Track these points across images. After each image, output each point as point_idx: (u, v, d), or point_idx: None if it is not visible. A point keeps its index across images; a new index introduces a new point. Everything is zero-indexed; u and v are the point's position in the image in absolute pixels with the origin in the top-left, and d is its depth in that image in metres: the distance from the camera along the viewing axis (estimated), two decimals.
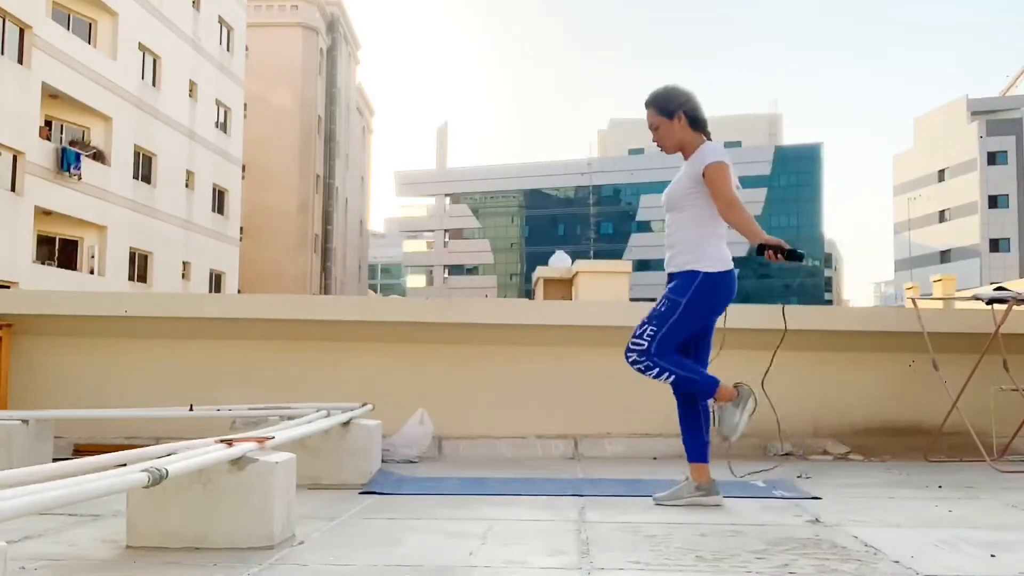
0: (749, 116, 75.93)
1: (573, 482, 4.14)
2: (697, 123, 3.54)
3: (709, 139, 3.56)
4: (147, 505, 2.57)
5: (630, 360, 3.43)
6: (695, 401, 3.51)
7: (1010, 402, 4.86)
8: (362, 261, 61.92)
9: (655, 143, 3.65)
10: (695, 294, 3.41)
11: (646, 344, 3.40)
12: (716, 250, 3.46)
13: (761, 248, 3.33)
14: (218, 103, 36.09)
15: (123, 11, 28.36)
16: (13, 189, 23.19)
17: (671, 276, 3.56)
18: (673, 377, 3.39)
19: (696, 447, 3.49)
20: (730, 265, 3.50)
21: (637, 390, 5.30)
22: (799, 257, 3.34)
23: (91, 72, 26.43)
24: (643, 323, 3.45)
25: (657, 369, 3.39)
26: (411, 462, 4.73)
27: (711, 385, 3.42)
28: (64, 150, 25.19)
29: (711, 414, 3.49)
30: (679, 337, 3.43)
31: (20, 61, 23.32)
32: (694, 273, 3.44)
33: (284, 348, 5.31)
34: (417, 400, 4.95)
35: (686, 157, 3.56)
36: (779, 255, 3.30)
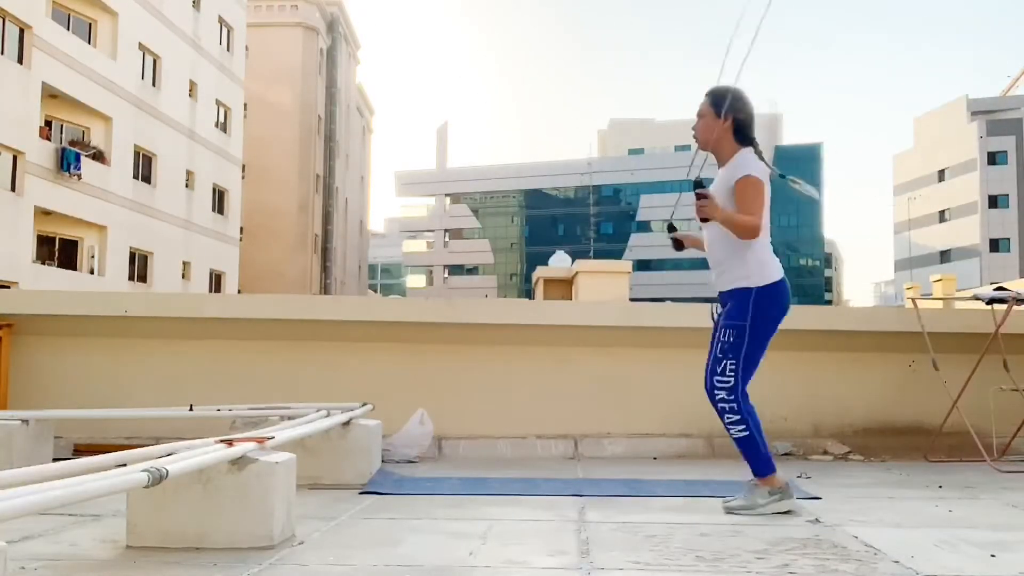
0: None
1: (573, 482, 4.14)
2: (741, 134, 3.43)
3: (756, 151, 3.45)
4: (147, 505, 2.57)
5: (717, 399, 3.33)
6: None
7: (1010, 402, 4.86)
8: (362, 261, 61.91)
9: (692, 131, 3.55)
10: (755, 312, 3.32)
11: (732, 380, 3.31)
12: (762, 261, 3.36)
13: (698, 186, 3.31)
14: (218, 103, 36.09)
15: (123, 11, 28.35)
16: (13, 189, 23.18)
17: (722, 296, 3.47)
18: (746, 434, 3.30)
19: (763, 459, 3.34)
20: (780, 273, 3.41)
21: (637, 390, 5.31)
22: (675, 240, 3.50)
23: (91, 72, 26.43)
24: (718, 358, 3.35)
25: (738, 417, 3.29)
26: (411, 462, 4.73)
27: (768, 467, 3.30)
28: (64, 150, 25.18)
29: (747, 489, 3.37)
30: (757, 360, 3.36)
31: (20, 61, 23.32)
32: (746, 291, 3.34)
33: (284, 348, 5.31)
34: (417, 400, 4.95)
35: (719, 163, 3.48)
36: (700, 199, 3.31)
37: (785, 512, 3.25)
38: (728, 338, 3.35)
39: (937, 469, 4.68)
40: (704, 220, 3.41)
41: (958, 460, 4.91)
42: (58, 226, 26.07)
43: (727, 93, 3.43)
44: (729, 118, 3.42)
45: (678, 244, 3.66)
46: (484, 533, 2.87)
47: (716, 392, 3.34)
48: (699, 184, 3.34)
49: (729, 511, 3.29)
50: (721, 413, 3.35)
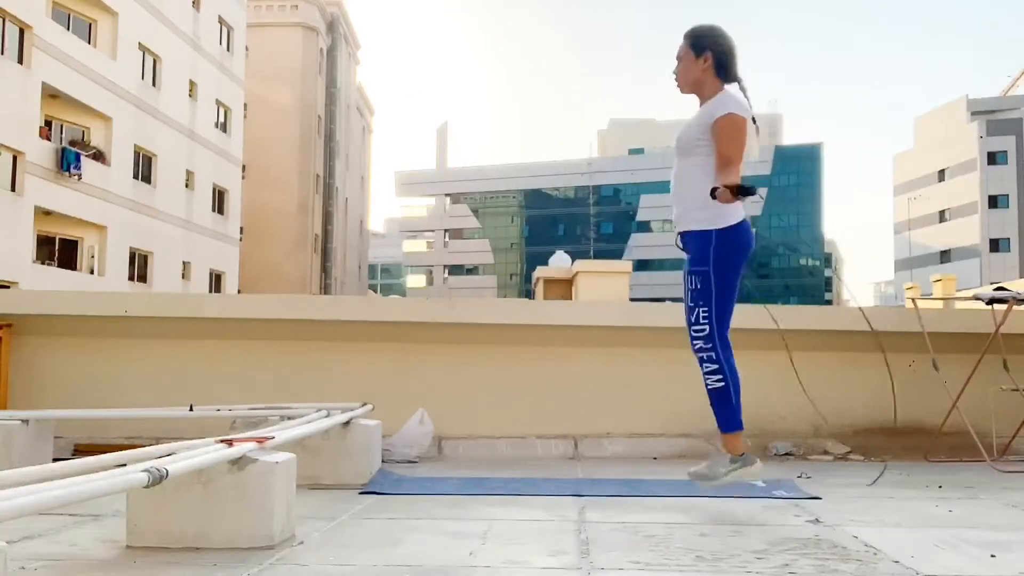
0: None
1: (573, 482, 4.14)
2: (723, 70, 3.33)
3: (741, 87, 3.35)
4: (147, 505, 2.57)
5: (696, 347, 3.29)
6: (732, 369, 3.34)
7: (1010, 402, 4.86)
8: (362, 261, 61.91)
9: (673, 75, 3.46)
10: (716, 257, 3.27)
11: (707, 327, 3.26)
12: (724, 204, 3.24)
13: (721, 189, 3.13)
14: (218, 103, 36.10)
15: (123, 11, 28.37)
16: (13, 189, 23.20)
17: (682, 236, 3.39)
18: (721, 385, 3.27)
19: (733, 415, 3.31)
20: (741, 215, 3.32)
21: (637, 390, 5.31)
22: (751, 191, 3.13)
23: (91, 72, 26.44)
24: (690, 307, 3.32)
25: (716, 366, 3.26)
26: (411, 462, 4.73)
27: (735, 422, 3.28)
28: (64, 150, 25.20)
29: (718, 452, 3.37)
30: (730, 304, 3.31)
31: (20, 61, 23.33)
32: (706, 235, 3.28)
33: (284, 348, 5.31)
34: (417, 400, 4.95)
35: (702, 102, 3.38)
36: (736, 195, 3.11)
37: (745, 482, 3.25)
38: (695, 284, 3.31)
39: (937, 469, 4.68)
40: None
41: (958, 460, 4.91)
42: (58, 226, 26.08)
43: (702, 31, 3.37)
44: (708, 56, 3.34)
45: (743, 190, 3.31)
46: (484, 533, 2.87)
47: (694, 342, 3.32)
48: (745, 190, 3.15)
49: (691, 476, 3.32)
50: (700, 362, 3.32)
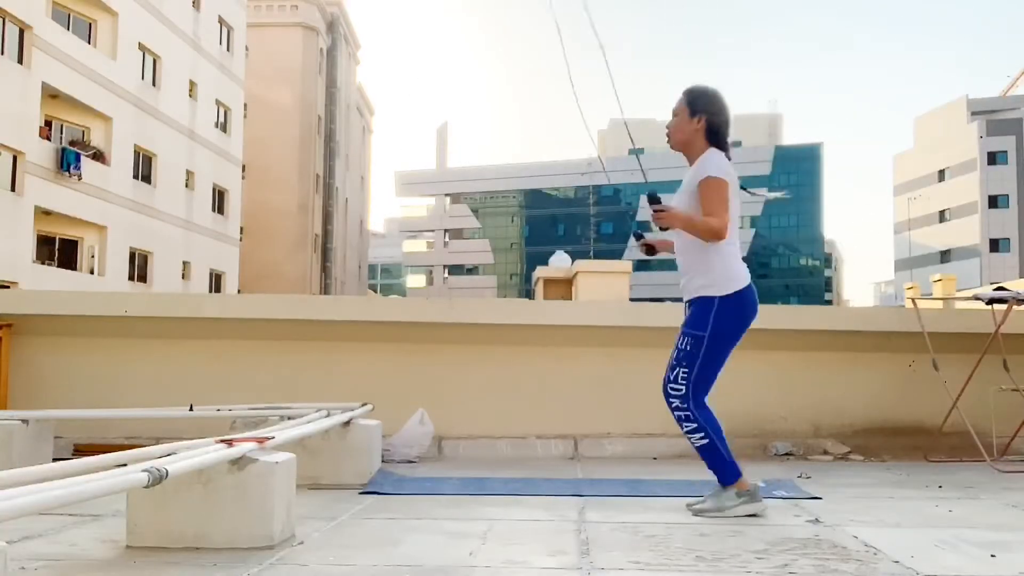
0: (749, 116, 75.87)
1: (573, 482, 4.14)
2: (714, 135, 3.40)
3: (728, 156, 3.41)
4: (147, 505, 2.57)
5: (672, 406, 3.31)
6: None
7: (1010, 402, 4.86)
8: (362, 261, 61.91)
9: (666, 129, 3.52)
10: (715, 323, 3.27)
11: (683, 389, 3.28)
12: (728, 268, 3.31)
13: (653, 202, 3.30)
14: (218, 103, 36.09)
15: (123, 11, 28.35)
16: (13, 189, 23.18)
17: (687, 304, 3.43)
18: (706, 442, 3.26)
19: (728, 466, 3.30)
20: (746, 281, 3.34)
21: (637, 390, 5.31)
22: (647, 250, 3.51)
23: (91, 72, 26.43)
24: (672, 365, 3.32)
25: (695, 425, 3.26)
26: (411, 462, 4.73)
27: (733, 472, 3.26)
28: (64, 150, 25.18)
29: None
30: (713, 372, 3.31)
31: (20, 61, 23.32)
32: (709, 301, 3.29)
33: (284, 348, 5.31)
34: (417, 400, 4.95)
35: (689, 162, 3.45)
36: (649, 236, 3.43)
37: (752, 515, 3.20)
38: (685, 346, 3.31)
39: (937, 469, 4.68)
40: (663, 229, 3.40)
41: (958, 460, 4.91)
42: (58, 226, 26.07)
43: (701, 93, 3.42)
44: (702, 119, 3.39)
45: (649, 249, 3.63)
46: (484, 533, 2.87)
47: (670, 400, 3.33)
48: (653, 197, 3.32)
49: (696, 513, 3.25)
50: (678, 420, 3.33)
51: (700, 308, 3.32)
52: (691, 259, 3.38)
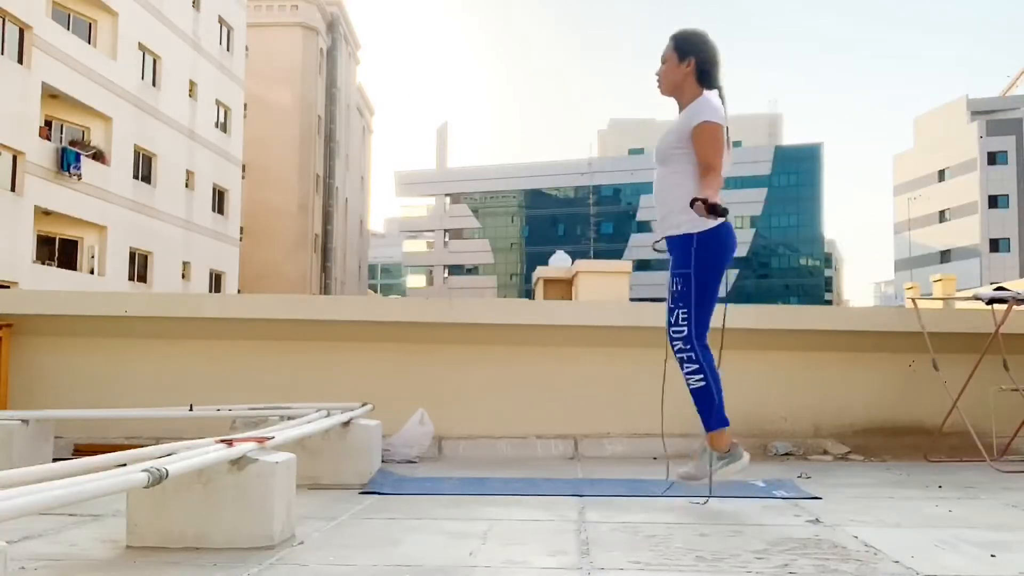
0: (749, 116, 75.89)
1: (573, 482, 4.14)
2: (705, 77, 3.38)
3: (720, 95, 3.40)
4: (147, 505, 2.57)
5: (676, 348, 3.35)
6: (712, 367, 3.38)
7: (1010, 402, 4.86)
8: (362, 261, 61.92)
9: (656, 76, 3.52)
10: (697, 259, 3.32)
11: (685, 328, 3.32)
12: None
13: (696, 201, 3.17)
14: (218, 103, 36.11)
15: (123, 11, 28.37)
16: (13, 189, 23.20)
17: (667, 241, 3.44)
18: (703, 384, 3.31)
19: (717, 413, 3.34)
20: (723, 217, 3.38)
21: (637, 390, 5.31)
22: (724, 212, 3.19)
23: (91, 72, 26.44)
24: (670, 308, 3.37)
25: (697, 366, 3.30)
26: (411, 462, 4.73)
27: (720, 419, 3.31)
28: (64, 150, 25.20)
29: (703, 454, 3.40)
30: (708, 308, 3.36)
31: (20, 61, 23.33)
32: (687, 238, 3.33)
33: (284, 348, 5.31)
34: (417, 400, 4.95)
35: (681, 107, 3.44)
36: (709, 212, 3.16)
37: (736, 477, 3.30)
38: (677, 287, 3.36)
39: (937, 469, 4.68)
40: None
41: (958, 460, 4.91)
42: (58, 226, 26.08)
43: (689, 36, 3.42)
44: (691, 61, 3.38)
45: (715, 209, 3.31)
46: (484, 533, 2.87)
47: (674, 343, 3.37)
48: (719, 210, 3.14)
49: (680, 478, 3.36)
50: (680, 363, 3.37)
51: (681, 248, 3.37)
52: (670, 195, 3.40)
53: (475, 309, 5.51)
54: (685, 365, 3.35)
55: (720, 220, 3.28)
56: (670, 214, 3.41)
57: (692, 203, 3.20)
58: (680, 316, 3.34)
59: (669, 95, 3.49)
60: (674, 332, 3.36)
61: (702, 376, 3.32)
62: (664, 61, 3.47)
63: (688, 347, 3.33)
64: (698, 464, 3.34)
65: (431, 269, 76.26)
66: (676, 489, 3.65)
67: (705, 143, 3.28)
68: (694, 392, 3.36)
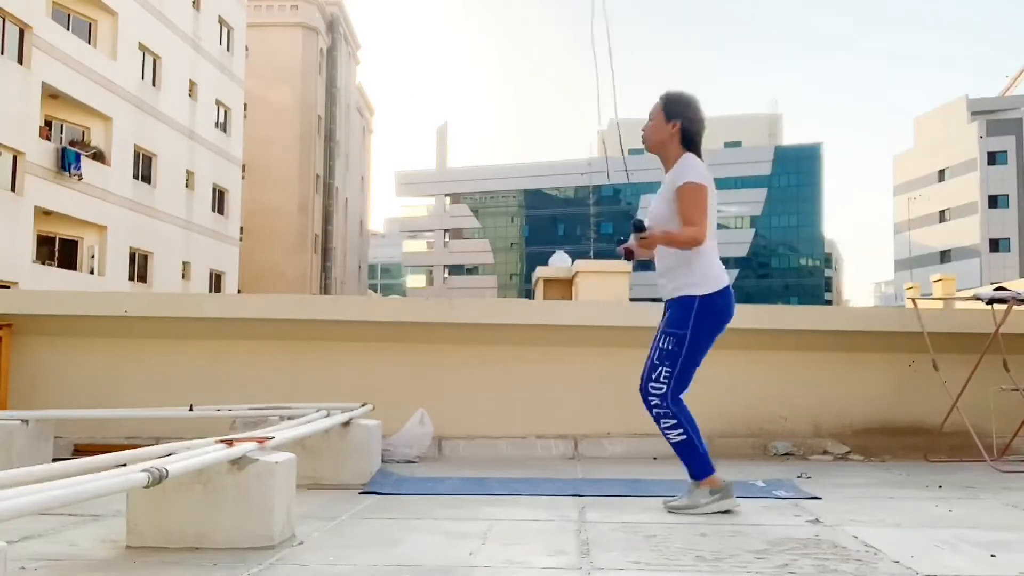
0: (749, 116, 75.90)
1: (573, 482, 4.14)
2: (688, 142, 3.46)
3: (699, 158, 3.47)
4: (147, 505, 2.57)
5: (651, 404, 3.36)
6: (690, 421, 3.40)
7: (1010, 402, 4.86)
8: (362, 261, 61.91)
9: (642, 132, 3.59)
10: (695, 322, 3.33)
11: (664, 387, 3.33)
12: (707, 269, 3.38)
13: (638, 230, 3.36)
14: (218, 103, 36.09)
15: (123, 11, 28.35)
16: (13, 189, 23.18)
17: (666, 305, 3.48)
18: (684, 439, 3.32)
19: (702, 461, 3.36)
20: (724, 282, 3.42)
21: (637, 390, 5.31)
22: (627, 257, 3.47)
23: (91, 72, 26.42)
24: (654, 365, 3.37)
25: (674, 421, 3.32)
26: (411, 462, 4.73)
27: (706, 468, 3.33)
28: (64, 150, 25.18)
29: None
30: (692, 370, 3.38)
31: (20, 61, 23.32)
32: (689, 300, 3.36)
33: (284, 348, 5.31)
34: (417, 400, 4.95)
35: (665, 165, 3.52)
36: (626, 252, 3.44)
37: (725, 512, 3.27)
38: (667, 345, 3.37)
39: (937, 469, 4.68)
40: (646, 253, 3.48)
41: (958, 460, 4.91)
42: (58, 226, 26.07)
43: (677, 98, 3.49)
44: (677, 124, 3.46)
45: (628, 254, 3.59)
46: (484, 533, 2.87)
47: (650, 398, 3.38)
48: (638, 225, 3.38)
49: (671, 511, 3.32)
50: (656, 418, 3.38)
51: (681, 308, 3.39)
52: (671, 260, 3.44)
53: (475, 309, 5.52)
54: (662, 421, 3.36)
55: (717, 276, 3.40)
56: (670, 280, 3.45)
57: (637, 233, 3.35)
58: (663, 374, 3.35)
59: (654, 152, 3.57)
60: (652, 388, 3.37)
61: (682, 431, 3.33)
62: (651, 118, 3.55)
63: (663, 404, 3.35)
64: (690, 496, 3.33)
65: (431, 269, 76.23)
66: (673, 488, 3.65)
67: (687, 201, 3.34)
68: (676, 446, 3.37)
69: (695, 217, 3.31)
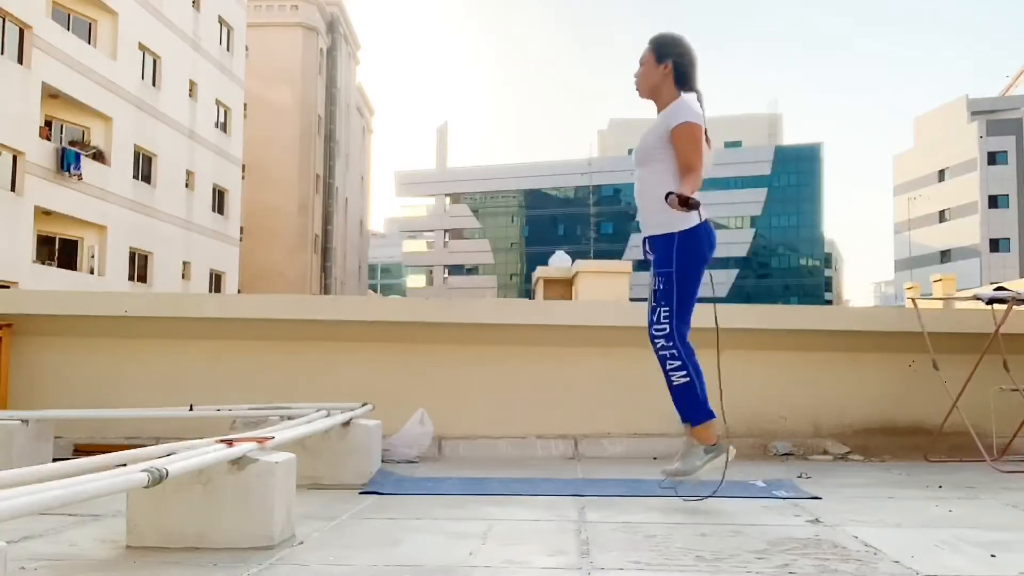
0: (749, 116, 75.91)
1: (573, 482, 4.14)
2: (682, 80, 3.44)
3: (698, 98, 3.46)
4: (147, 505, 2.57)
5: (658, 346, 3.38)
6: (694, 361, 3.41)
7: (1010, 402, 4.86)
8: (362, 261, 61.92)
9: (634, 78, 3.57)
10: (679, 258, 3.36)
11: (667, 327, 3.35)
12: None
13: (671, 194, 3.24)
14: (218, 103, 36.11)
15: (123, 11, 28.36)
16: (13, 189, 23.20)
17: (648, 241, 3.49)
18: (686, 381, 3.33)
19: (701, 407, 3.36)
20: (702, 218, 3.42)
21: (637, 390, 5.31)
22: (695, 205, 3.26)
23: (91, 72, 26.44)
24: (652, 307, 3.41)
25: (679, 363, 3.33)
26: (411, 462, 4.73)
27: (705, 413, 3.33)
28: (64, 150, 25.20)
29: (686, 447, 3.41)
30: (689, 306, 3.40)
31: (20, 61, 23.33)
32: (669, 237, 3.38)
33: (284, 348, 5.31)
34: (417, 400, 4.95)
35: (659, 108, 3.49)
36: (682, 204, 3.23)
37: (722, 470, 3.31)
38: (659, 285, 3.40)
39: (937, 469, 4.68)
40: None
41: (958, 460, 4.91)
42: (58, 226, 26.08)
43: (666, 39, 3.47)
44: (669, 64, 3.43)
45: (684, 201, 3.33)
46: (484, 533, 2.87)
47: (655, 340, 3.40)
48: (693, 205, 3.22)
49: (667, 475, 3.37)
50: (662, 361, 3.39)
51: (663, 247, 3.41)
52: (651, 195, 3.45)
53: (475, 309, 5.52)
54: (668, 363, 3.38)
55: (693, 212, 3.33)
56: (651, 215, 3.46)
57: (667, 196, 3.25)
58: (662, 314, 3.38)
59: (647, 97, 3.55)
60: (656, 330, 3.40)
61: (685, 372, 3.35)
62: (642, 63, 3.52)
63: (670, 344, 3.36)
64: (685, 460, 3.35)
65: (431, 269, 76.25)
66: (680, 489, 3.66)
67: (684, 144, 3.33)
68: (677, 389, 3.38)
69: (694, 160, 3.32)
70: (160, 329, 5.29)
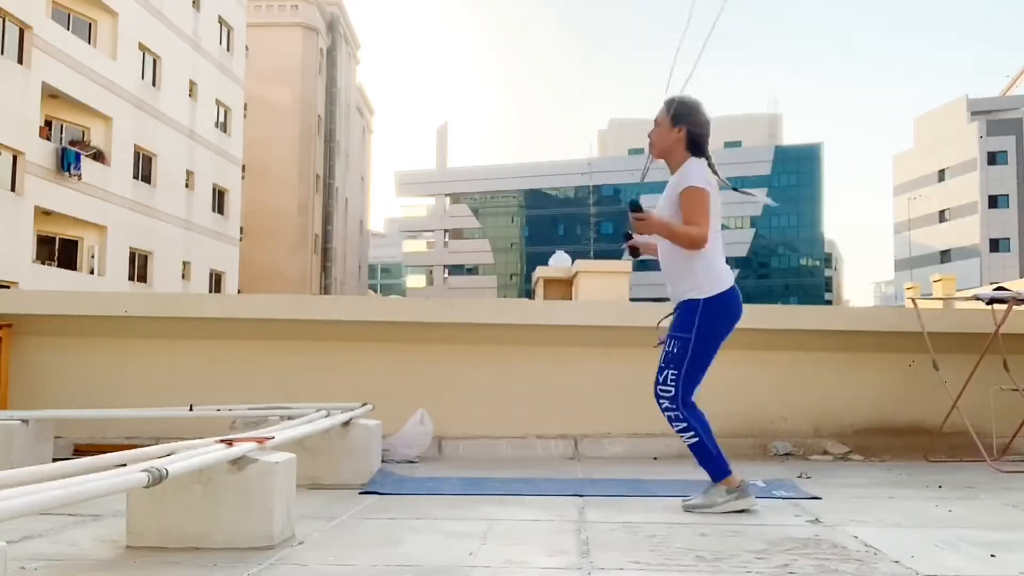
0: (749, 116, 75.89)
1: (573, 482, 4.14)
2: (694, 147, 3.47)
3: (709, 164, 3.48)
4: (147, 505, 2.57)
5: (663, 407, 3.39)
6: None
7: (1010, 402, 4.86)
8: (362, 261, 61.91)
9: (648, 138, 3.60)
10: (700, 324, 3.35)
11: (672, 390, 3.36)
12: (711, 272, 3.39)
13: (634, 210, 3.38)
14: (218, 103, 36.09)
15: (123, 11, 28.35)
16: (13, 189, 23.18)
17: (675, 309, 3.50)
18: (696, 440, 3.34)
19: (717, 463, 3.37)
20: (729, 282, 3.42)
21: (637, 390, 5.30)
22: (633, 255, 3.66)
23: (91, 72, 26.43)
24: (661, 367, 3.40)
25: (685, 424, 3.34)
26: (411, 462, 4.73)
27: (723, 469, 3.33)
28: (64, 150, 25.18)
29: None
30: (701, 372, 3.39)
31: (20, 61, 23.31)
32: (694, 303, 3.37)
33: (284, 348, 5.31)
34: (417, 400, 4.95)
35: (671, 170, 3.52)
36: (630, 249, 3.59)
37: (741, 511, 3.27)
38: (672, 348, 3.39)
39: (937, 469, 4.68)
40: (641, 235, 3.54)
41: (958, 460, 4.91)
42: (58, 226, 26.07)
43: (683, 104, 3.49)
44: (683, 129, 3.46)
45: (634, 251, 3.70)
46: (484, 533, 2.87)
47: (661, 401, 3.41)
48: (635, 205, 3.39)
49: (688, 510, 3.33)
50: (669, 421, 3.41)
51: (686, 311, 3.41)
52: (675, 265, 3.46)
53: (475, 309, 5.52)
54: (674, 424, 3.39)
55: (721, 279, 3.40)
56: (677, 284, 3.47)
57: (634, 212, 3.37)
58: (669, 377, 3.38)
59: (659, 158, 3.58)
60: (661, 391, 3.40)
61: (693, 433, 3.35)
62: (657, 123, 3.55)
63: (675, 407, 3.37)
64: (708, 495, 3.33)
65: (431, 269, 76.22)
66: (677, 488, 3.66)
67: (689, 204, 3.35)
68: (690, 447, 3.40)
69: (698, 219, 3.33)
70: (160, 329, 5.29)
